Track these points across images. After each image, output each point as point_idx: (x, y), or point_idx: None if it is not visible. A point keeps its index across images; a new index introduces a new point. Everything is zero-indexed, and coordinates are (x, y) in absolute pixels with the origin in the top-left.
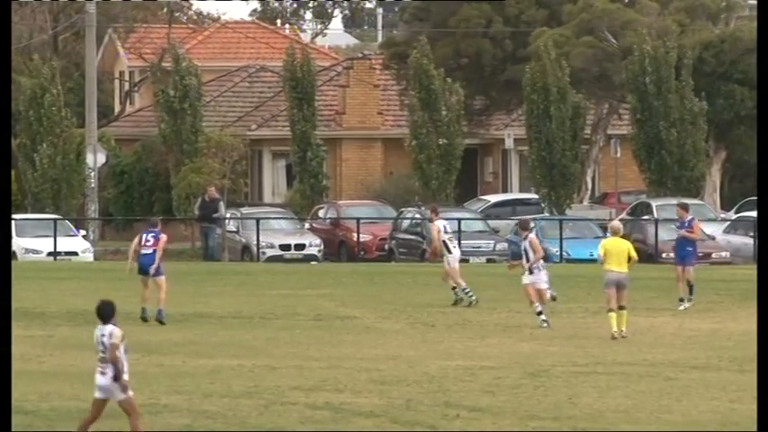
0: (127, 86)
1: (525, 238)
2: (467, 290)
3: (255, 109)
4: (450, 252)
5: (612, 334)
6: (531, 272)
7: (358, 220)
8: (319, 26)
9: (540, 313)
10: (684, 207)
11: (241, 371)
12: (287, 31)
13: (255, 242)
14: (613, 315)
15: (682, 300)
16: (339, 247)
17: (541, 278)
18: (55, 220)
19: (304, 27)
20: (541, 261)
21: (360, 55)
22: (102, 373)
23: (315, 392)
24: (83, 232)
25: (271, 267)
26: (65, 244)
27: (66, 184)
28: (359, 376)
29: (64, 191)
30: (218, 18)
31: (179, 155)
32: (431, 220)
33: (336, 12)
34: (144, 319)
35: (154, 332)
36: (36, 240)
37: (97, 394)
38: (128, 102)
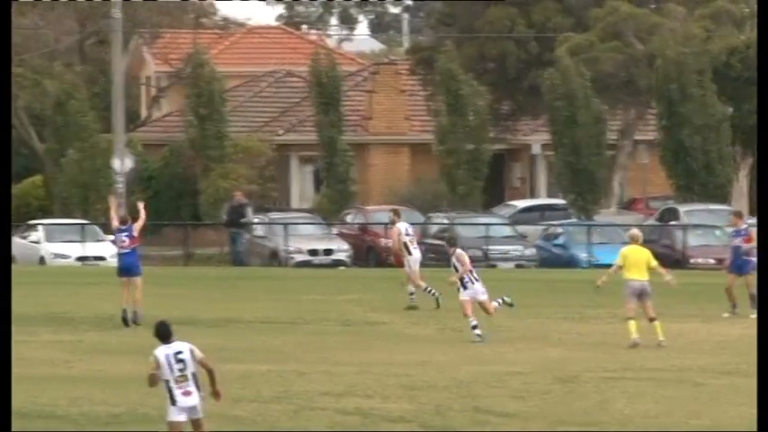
0: (154, 91)
1: (452, 254)
2: (429, 289)
3: (282, 114)
4: (410, 254)
5: (634, 341)
6: (464, 287)
7: (386, 225)
8: (345, 31)
9: (475, 327)
10: (739, 215)
11: (270, 376)
12: (313, 37)
13: (283, 247)
14: (633, 323)
15: (734, 306)
16: (367, 253)
17: (478, 290)
18: (83, 224)
19: (329, 32)
20: (473, 273)
21: (386, 60)
22: (187, 393)
23: (344, 398)
24: (111, 237)
25: (299, 273)
26: (93, 249)
27: (94, 189)
28: (388, 381)
29: (92, 196)
30: (244, 23)
31: (206, 160)
32: (393, 223)
33: (362, 17)
34: (125, 321)
35: (183, 337)
36: (64, 245)
37: (181, 417)
38: (155, 107)
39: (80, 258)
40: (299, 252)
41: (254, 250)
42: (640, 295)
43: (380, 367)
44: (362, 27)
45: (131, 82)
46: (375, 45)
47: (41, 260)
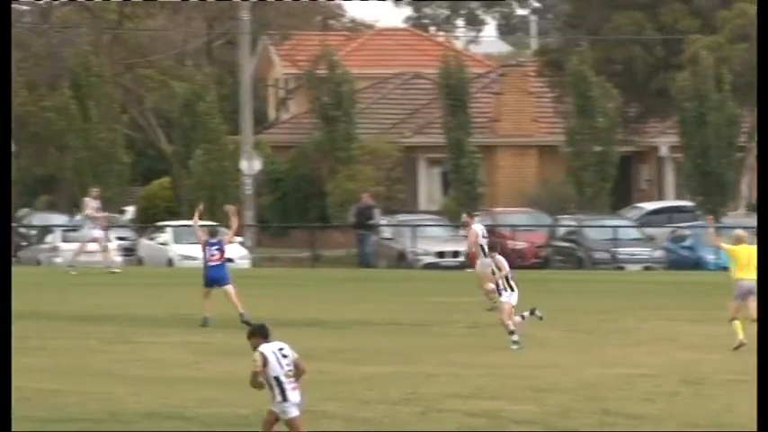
0: (281, 93)
1: (492, 259)
2: (491, 296)
3: (410, 116)
4: (485, 256)
5: (740, 342)
6: (499, 293)
7: (513, 227)
8: (472, 33)
9: (512, 332)
10: None
11: (398, 378)
12: (440, 39)
13: (411, 249)
14: (737, 323)
15: None
16: None
17: (513, 297)
18: (210, 226)
19: (457, 34)
20: (509, 281)
21: (513, 62)
22: (295, 389)
23: (471, 400)
24: (239, 239)
25: (426, 274)
26: None
27: (222, 191)
28: (515, 384)
29: (219, 197)
30: (372, 25)
31: (333, 162)
32: (466, 225)
33: (489, 19)
34: (204, 326)
35: (311, 338)
36: (192, 247)
37: (296, 412)
38: (283, 109)
39: None
40: (427, 254)
41: (382, 252)
42: (746, 295)
43: (507, 369)
44: (490, 29)
45: (259, 84)
46: (502, 47)
47: (169, 262)
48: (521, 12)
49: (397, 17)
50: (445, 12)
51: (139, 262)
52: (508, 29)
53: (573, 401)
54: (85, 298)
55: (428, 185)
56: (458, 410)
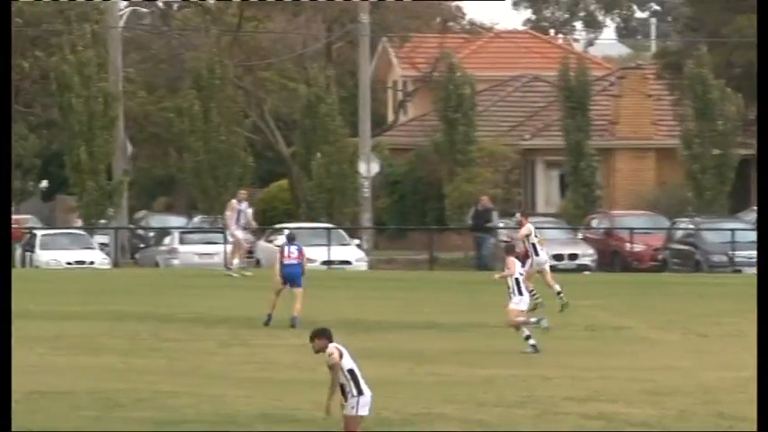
0: (400, 96)
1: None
2: (559, 293)
3: (529, 118)
4: (537, 255)
5: None
6: (510, 296)
7: (631, 230)
8: (591, 36)
9: (528, 338)
10: None
11: (514, 380)
12: (560, 41)
13: None
14: None
15: None
16: (612, 257)
17: (523, 301)
18: (329, 229)
19: (576, 36)
20: (520, 284)
21: (633, 64)
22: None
23: (588, 403)
24: (356, 241)
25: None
26: (338, 253)
27: (340, 193)
28: (632, 387)
29: (337, 200)
30: (491, 28)
31: (452, 164)
32: (520, 225)
33: (608, 21)
34: (267, 324)
35: (427, 341)
36: (310, 249)
37: (367, 411)
38: (401, 111)
39: (325, 262)
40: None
41: (499, 255)
42: None
43: (624, 372)
44: (609, 31)
45: (378, 86)
46: (621, 50)
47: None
48: (640, 14)
49: (516, 20)
50: (564, 14)
51: (258, 264)
52: (627, 31)
53: (689, 404)
54: (201, 300)
55: (546, 188)
56: (574, 413)
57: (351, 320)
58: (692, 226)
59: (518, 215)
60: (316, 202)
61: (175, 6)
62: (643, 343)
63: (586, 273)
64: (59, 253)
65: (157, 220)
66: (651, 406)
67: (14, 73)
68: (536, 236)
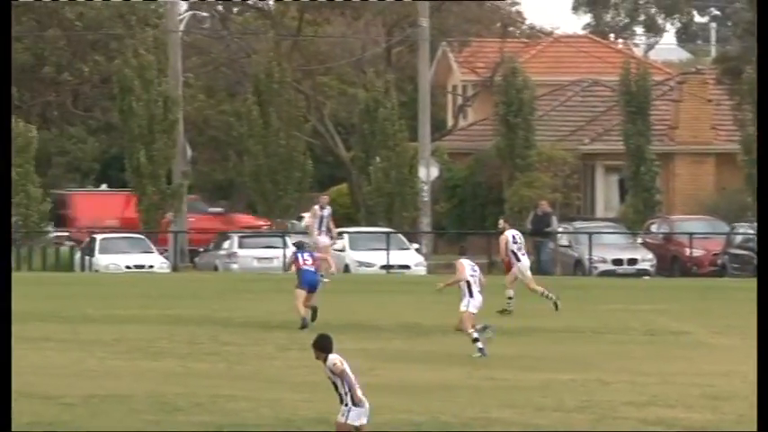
0: (460, 100)
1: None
2: (545, 293)
3: (588, 123)
4: (518, 260)
5: None
6: (461, 298)
7: (690, 235)
8: (651, 40)
9: (476, 340)
10: None
11: (573, 385)
12: (620, 46)
13: (588, 256)
14: None
15: None
16: (671, 262)
17: (475, 304)
18: (388, 233)
19: (636, 41)
20: (471, 286)
21: (693, 69)
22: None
23: (647, 408)
24: (415, 246)
25: (603, 282)
26: (397, 257)
27: (400, 198)
28: (691, 392)
29: (397, 204)
30: (551, 32)
31: (511, 169)
32: (502, 231)
33: (668, 26)
34: (305, 327)
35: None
36: (369, 253)
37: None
38: (461, 116)
39: (384, 267)
40: (603, 261)
41: (559, 259)
42: None
43: (683, 377)
44: (669, 36)
45: (438, 90)
46: (681, 54)
47: (346, 268)
48: (700, 19)
49: (576, 24)
50: (624, 19)
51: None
52: (687, 36)
53: (749, 409)
54: (259, 304)
55: (605, 192)
56: (633, 418)
57: (410, 324)
58: (751, 231)
59: (501, 221)
60: (375, 206)
61: (235, 10)
62: (702, 348)
63: (646, 278)
64: (119, 257)
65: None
66: (710, 411)
67: (74, 77)
68: (516, 242)
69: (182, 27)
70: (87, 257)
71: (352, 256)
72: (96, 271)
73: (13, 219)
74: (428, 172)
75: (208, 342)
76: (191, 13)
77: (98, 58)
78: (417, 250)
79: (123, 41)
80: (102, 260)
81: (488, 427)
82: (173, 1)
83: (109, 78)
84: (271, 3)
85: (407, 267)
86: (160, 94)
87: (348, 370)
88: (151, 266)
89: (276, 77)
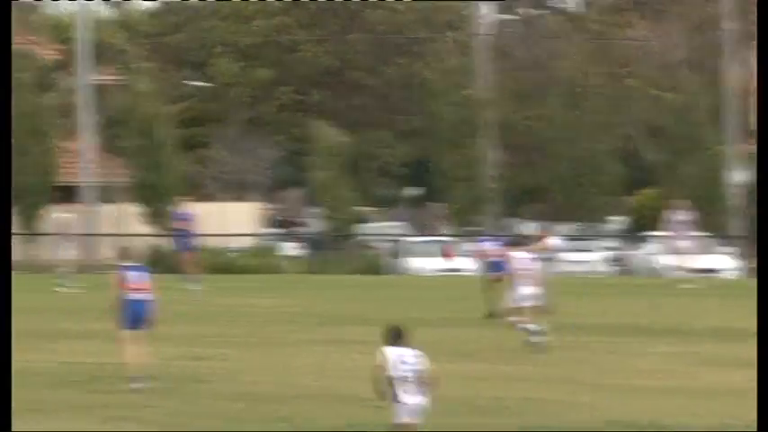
0: None
1: None
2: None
3: None
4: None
5: None
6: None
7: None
8: None
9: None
10: None
11: None
12: None
13: None
14: None
15: None
16: None
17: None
18: (699, 237)
19: None
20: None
21: None
22: (408, 393)
23: None
24: (728, 249)
25: None
26: (709, 261)
27: (708, 202)
28: None
29: (707, 208)
30: None
31: None
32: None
33: None
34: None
35: None
36: (682, 257)
37: (407, 417)
38: None
39: (695, 270)
40: None
41: None
42: None
43: None
44: None
45: (745, 94)
46: None
47: (655, 272)
48: None
49: None
50: None
51: (629, 272)
52: None
53: None
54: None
55: None
56: None
57: (720, 329)
58: None
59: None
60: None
61: (534, 13)
62: None
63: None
64: (428, 260)
65: (526, 228)
66: None
67: (379, 79)
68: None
69: (489, 31)
70: (395, 261)
71: (661, 261)
72: (405, 274)
73: (323, 222)
74: (739, 175)
75: (518, 345)
76: (497, 16)
77: (402, 61)
78: (729, 254)
79: (427, 45)
80: (411, 263)
81: None
82: (479, 2)
83: (412, 82)
84: (574, 6)
85: (719, 271)
86: (467, 97)
87: (385, 366)
88: (457, 270)
89: (582, 81)
